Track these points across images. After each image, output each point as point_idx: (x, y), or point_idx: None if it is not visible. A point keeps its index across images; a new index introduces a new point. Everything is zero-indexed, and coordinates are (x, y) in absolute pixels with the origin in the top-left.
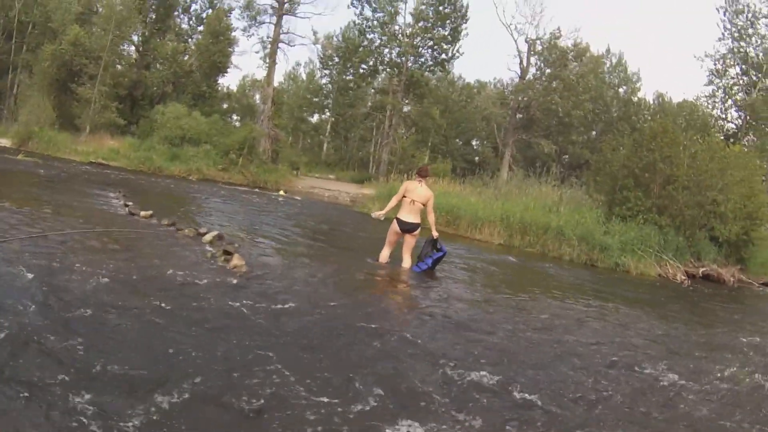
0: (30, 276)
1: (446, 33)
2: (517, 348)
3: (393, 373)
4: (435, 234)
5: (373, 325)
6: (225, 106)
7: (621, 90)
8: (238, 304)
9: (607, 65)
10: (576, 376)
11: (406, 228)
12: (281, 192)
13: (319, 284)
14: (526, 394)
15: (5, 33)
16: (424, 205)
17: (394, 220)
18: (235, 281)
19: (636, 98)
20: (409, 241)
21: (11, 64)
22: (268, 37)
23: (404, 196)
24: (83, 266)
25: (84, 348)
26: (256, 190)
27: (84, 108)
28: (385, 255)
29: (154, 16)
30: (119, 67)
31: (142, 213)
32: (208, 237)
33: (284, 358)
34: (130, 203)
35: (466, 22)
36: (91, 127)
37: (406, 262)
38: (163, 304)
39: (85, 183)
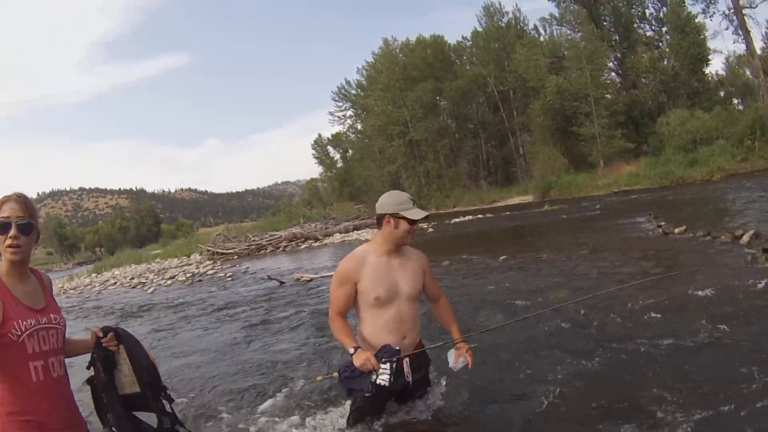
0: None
1: None
2: None
3: None
4: None
5: None
6: (722, 94)
7: None
8: None
9: None
10: None
11: None
12: None
13: None
14: None
15: (491, 106)
16: None
17: None
18: None
19: None
20: None
21: (509, 131)
22: (729, 9)
23: None
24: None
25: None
26: None
27: (591, 145)
28: None
29: (617, 37)
30: (608, 96)
31: (676, 230)
32: (745, 238)
33: None
34: (662, 223)
35: None
36: (604, 160)
37: None
38: (712, 324)
39: (614, 214)
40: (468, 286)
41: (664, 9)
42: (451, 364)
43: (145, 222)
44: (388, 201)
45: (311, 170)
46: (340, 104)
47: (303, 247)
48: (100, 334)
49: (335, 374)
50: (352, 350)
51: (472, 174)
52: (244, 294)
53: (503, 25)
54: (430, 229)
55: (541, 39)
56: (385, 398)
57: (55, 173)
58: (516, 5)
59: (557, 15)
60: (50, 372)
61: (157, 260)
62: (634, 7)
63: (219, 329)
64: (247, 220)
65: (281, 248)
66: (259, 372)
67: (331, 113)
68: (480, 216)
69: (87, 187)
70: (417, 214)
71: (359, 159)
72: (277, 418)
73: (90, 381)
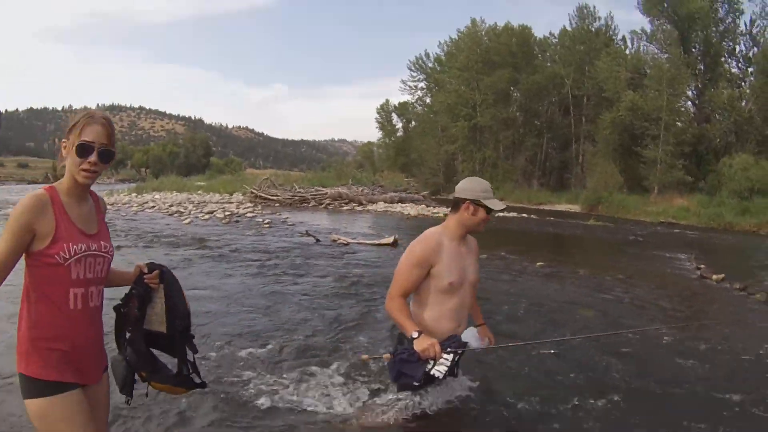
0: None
1: None
2: None
3: None
4: None
5: None
6: None
7: None
8: None
9: None
10: None
11: None
12: None
13: None
14: None
15: (562, 108)
16: None
17: None
18: None
19: None
20: None
21: (573, 136)
22: None
23: None
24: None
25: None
26: None
27: (650, 169)
28: None
29: (702, 67)
30: (679, 124)
31: (714, 276)
32: None
33: None
34: (702, 266)
35: None
36: (659, 187)
37: None
38: (720, 384)
39: (657, 245)
40: (502, 284)
41: (755, 49)
42: (474, 344)
43: (197, 152)
44: (471, 186)
45: (369, 134)
46: (415, 74)
47: (345, 208)
48: (145, 270)
49: (387, 356)
50: (415, 334)
51: (527, 171)
52: (278, 244)
53: (593, 29)
54: None
55: (627, 52)
56: (427, 387)
57: (119, 88)
58: (610, 12)
59: (648, 31)
60: (88, 301)
61: (199, 192)
62: (726, 40)
63: (241, 273)
64: (296, 169)
65: (324, 205)
66: (263, 326)
67: (403, 81)
68: (524, 215)
69: (147, 107)
70: (498, 204)
71: (420, 132)
72: (267, 376)
73: (117, 308)
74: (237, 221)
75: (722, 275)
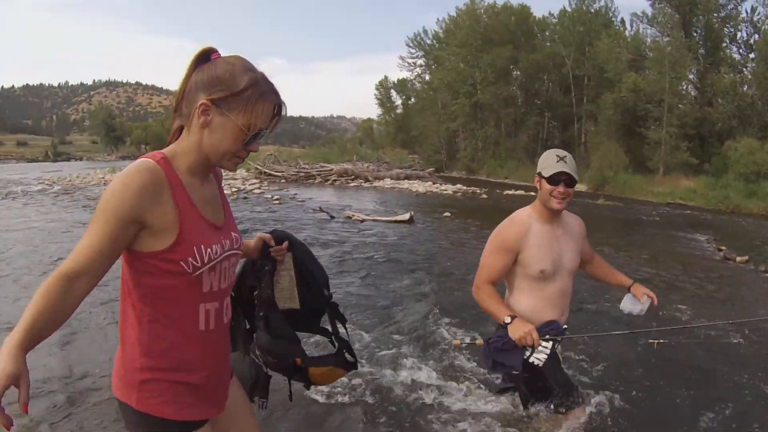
0: None
1: None
2: None
3: None
4: None
5: None
6: None
7: None
8: None
9: None
10: None
11: None
12: None
13: None
14: None
15: (563, 88)
16: None
17: None
18: None
19: None
20: None
21: (575, 116)
22: None
23: None
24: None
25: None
26: None
27: (655, 150)
28: None
29: (703, 51)
30: (681, 106)
31: (738, 258)
32: None
33: None
34: (723, 248)
35: None
36: (664, 169)
37: None
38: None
39: (671, 226)
40: None
41: (756, 36)
42: (635, 309)
43: None
44: (540, 159)
45: (368, 110)
46: (413, 51)
47: (352, 185)
48: (272, 243)
49: (479, 341)
50: (508, 319)
51: (529, 150)
52: (294, 220)
53: (593, 10)
54: (484, 195)
55: (626, 34)
56: (541, 379)
57: (115, 63)
58: None
59: (649, 14)
60: (222, 317)
61: None
62: (727, 26)
63: None
64: (296, 146)
65: (330, 181)
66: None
67: (401, 58)
68: (532, 193)
69: (143, 83)
70: (550, 169)
71: (420, 109)
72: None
73: (237, 291)
74: (245, 197)
75: (746, 257)
